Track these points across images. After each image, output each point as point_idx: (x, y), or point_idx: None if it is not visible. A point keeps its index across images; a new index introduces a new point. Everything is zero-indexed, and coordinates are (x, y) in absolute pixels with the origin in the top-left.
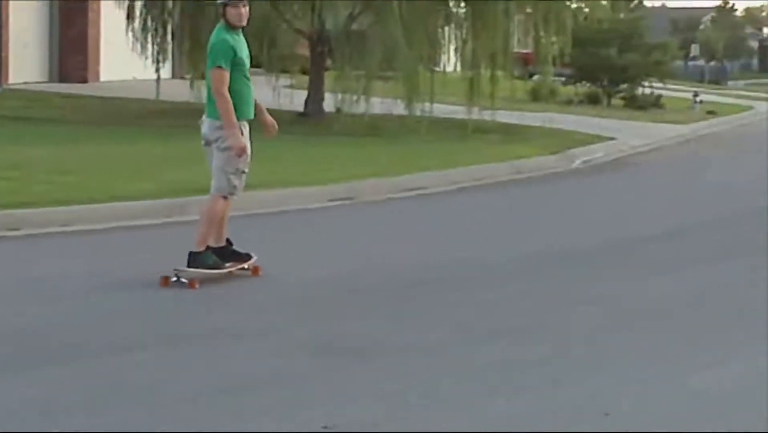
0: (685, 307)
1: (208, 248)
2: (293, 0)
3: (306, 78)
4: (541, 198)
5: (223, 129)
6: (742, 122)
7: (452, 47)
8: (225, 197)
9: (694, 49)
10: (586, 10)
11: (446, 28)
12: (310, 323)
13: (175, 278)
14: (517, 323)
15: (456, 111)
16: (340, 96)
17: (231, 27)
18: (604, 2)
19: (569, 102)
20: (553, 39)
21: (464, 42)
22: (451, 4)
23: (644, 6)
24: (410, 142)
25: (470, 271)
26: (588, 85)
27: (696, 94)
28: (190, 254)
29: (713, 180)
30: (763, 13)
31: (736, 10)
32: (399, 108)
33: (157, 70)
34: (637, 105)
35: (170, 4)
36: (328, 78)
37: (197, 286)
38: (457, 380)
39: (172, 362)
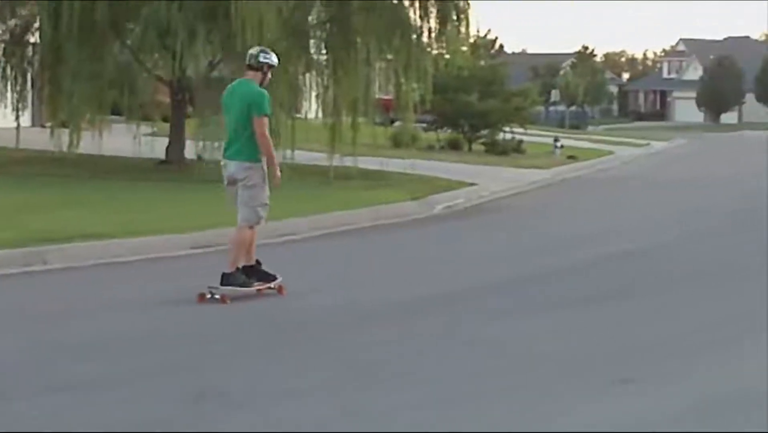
0: (558, 346)
1: (237, 269)
2: (153, 47)
3: (167, 125)
4: (402, 244)
5: (250, 169)
6: (603, 167)
7: (314, 94)
8: (251, 227)
9: (555, 95)
10: (447, 56)
11: (307, 75)
12: (180, 373)
13: (209, 295)
14: (393, 368)
15: (318, 157)
16: (201, 143)
17: (261, 85)
18: (464, 49)
19: (431, 148)
20: (414, 85)
21: (325, 89)
22: (312, 51)
23: (505, 52)
24: (272, 188)
25: (343, 316)
26: (449, 131)
27: (557, 139)
28: (223, 275)
29: (571, 225)
30: (623, 59)
31: (595, 55)
32: None
33: (17, 118)
34: (498, 150)
35: (30, 51)
36: (190, 125)
37: (228, 301)
38: (324, 427)
39: None
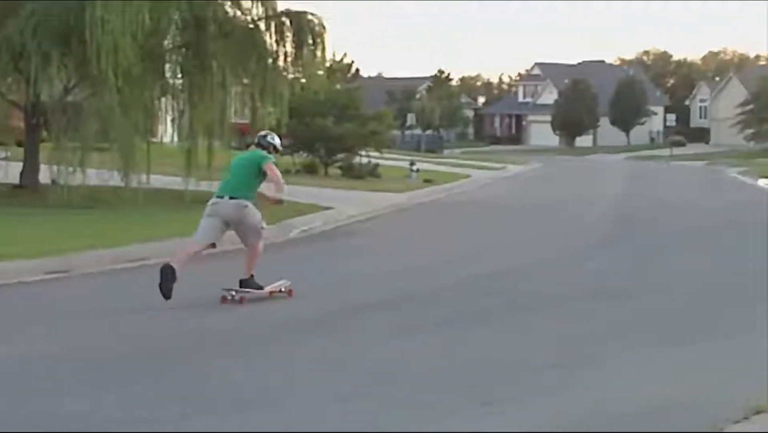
0: (418, 368)
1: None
2: (7, 71)
3: (21, 150)
4: (258, 268)
5: (248, 207)
6: (460, 190)
7: (169, 118)
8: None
9: (411, 119)
10: (303, 80)
11: (163, 100)
12: (31, 401)
13: (230, 297)
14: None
15: (173, 182)
16: (56, 168)
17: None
18: (320, 73)
19: (287, 172)
20: (270, 109)
21: (181, 113)
22: (168, 75)
23: (361, 76)
24: (128, 213)
25: (202, 341)
26: (305, 155)
27: (413, 163)
28: (241, 281)
29: (427, 248)
30: (478, 83)
31: (451, 79)
32: (116, 179)
33: None
34: (354, 174)
35: None
36: (44, 150)
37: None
38: None
39: None
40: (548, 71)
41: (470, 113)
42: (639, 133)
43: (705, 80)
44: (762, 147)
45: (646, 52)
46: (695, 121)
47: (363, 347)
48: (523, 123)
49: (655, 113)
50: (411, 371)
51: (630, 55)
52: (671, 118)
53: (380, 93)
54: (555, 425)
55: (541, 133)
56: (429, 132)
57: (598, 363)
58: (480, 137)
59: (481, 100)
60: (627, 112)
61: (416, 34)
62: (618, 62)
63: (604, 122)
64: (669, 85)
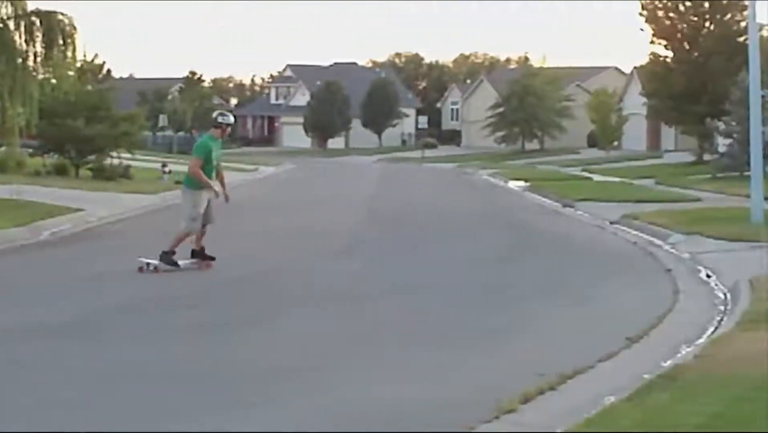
0: (180, 370)
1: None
2: None
3: None
4: (5, 271)
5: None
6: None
7: None
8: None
9: (163, 120)
10: (54, 81)
11: None
12: None
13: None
14: None
15: None
16: None
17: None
18: (71, 73)
19: (37, 174)
20: (20, 110)
21: None
22: None
23: (112, 77)
24: None
25: None
26: (56, 156)
27: (164, 165)
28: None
29: (183, 249)
30: (230, 84)
31: (203, 81)
32: None
33: None
34: (105, 176)
35: None
36: None
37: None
38: None
39: None
40: (300, 73)
41: None
42: (391, 135)
43: (456, 83)
44: (512, 149)
45: (398, 55)
46: (447, 124)
47: (116, 349)
48: (276, 124)
49: (407, 115)
50: (169, 373)
51: (382, 58)
52: (423, 120)
53: (132, 94)
54: (315, 426)
55: (294, 134)
56: (181, 133)
57: (354, 364)
58: (232, 139)
59: (234, 101)
60: (379, 114)
61: (168, 35)
62: (370, 64)
63: (357, 124)
64: (421, 87)
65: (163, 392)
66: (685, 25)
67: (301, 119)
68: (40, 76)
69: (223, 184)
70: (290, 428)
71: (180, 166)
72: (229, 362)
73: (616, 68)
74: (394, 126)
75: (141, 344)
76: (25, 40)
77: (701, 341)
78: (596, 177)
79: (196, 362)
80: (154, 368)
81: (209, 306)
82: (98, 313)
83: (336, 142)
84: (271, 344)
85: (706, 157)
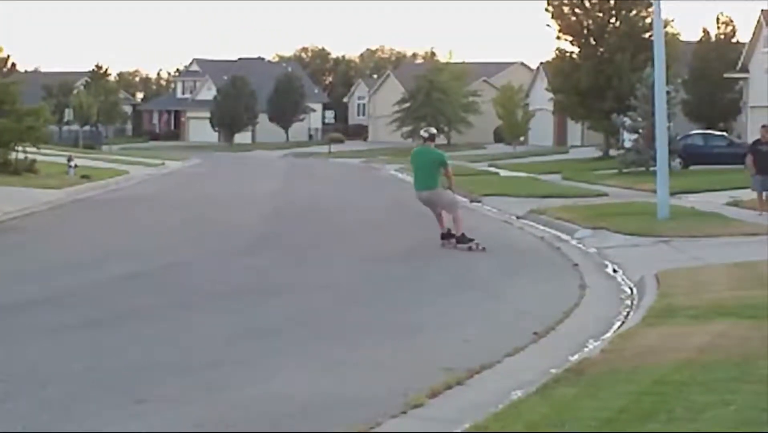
0: (72, 368)
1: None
2: None
3: None
4: None
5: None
6: (119, 186)
7: None
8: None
9: (68, 114)
10: None
11: None
12: None
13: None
14: None
15: None
16: None
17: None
18: None
19: None
20: None
21: None
22: None
23: (17, 71)
24: None
25: None
26: None
27: (70, 159)
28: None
29: (84, 245)
30: (137, 78)
31: (109, 74)
32: None
33: None
34: (10, 170)
35: None
36: None
37: None
38: None
39: None
40: (207, 67)
41: (129, 109)
42: (298, 130)
43: (363, 78)
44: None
45: (305, 49)
46: (354, 119)
47: (7, 347)
48: (182, 119)
49: (314, 110)
50: (60, 371)
51: (289, 52)
52: (330, 115)
53: (37, 88)
54: (213, 423)
55: (200, 129)
56: (87, 128)
57: (257, 361)
58: (138, 133)
59: (140, 95)
60: (285, 108)
61: (74, 28)
62: (277, 59)
63: (263, 119)
64: (327, 82)
65: (55, 390)
66: (590, 21)
67: (207, 114)
68: None
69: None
70: (186, 426)
71: (86, 160)
72: (120, 358)
73: (523, 64)
74: (300, 121)
75: (30, 343)
76: None
77: (608, 335)
78: (503, 172)
79: (87, 359)
80: (45, 367)
81: (101, 302)
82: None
83: (243, 137)
84: (167, 340)
85: (612, 152)
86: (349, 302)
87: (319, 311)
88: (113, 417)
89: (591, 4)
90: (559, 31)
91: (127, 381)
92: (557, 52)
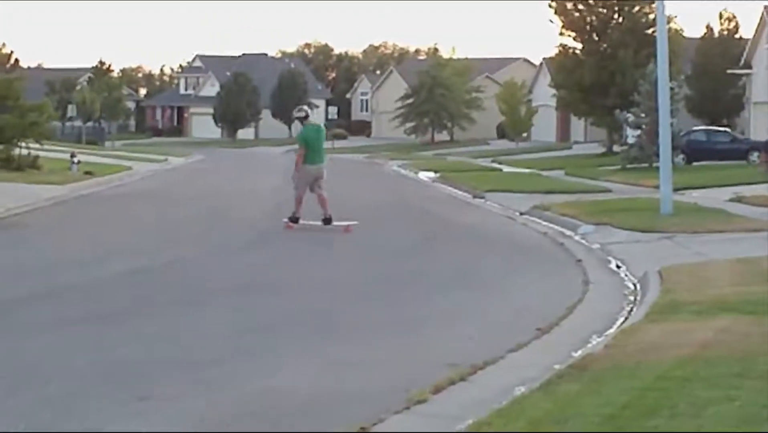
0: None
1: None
2: None
3: None
4: None
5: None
6: (122, 182)
7: None
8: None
9: (71, 110)
10: None
11: None
12: None
13: None
14: None
15: None
16: None
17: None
18: None
19: None
20: None
21: None
22: None
23: (21, 67)
24: None
25: None
26: None
27: (73, 155)
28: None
29: (87, 241)
30: (140, 75)
31: (112, 71)
32: None
33: None
34: (13, 166)
35: None
36: None
37: None
38: None
39: None
40: (210, 64)
41: (132, 105)
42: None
43: (366, 74)
44: (422, 140)
45: (308, 45)
46: (357, 114)
47: (9, 343)
48: (185, 115)
49: (317, 106)
50: (62, 367)
51: (291, 48)
52: (333, 111)
53: (40, 84)
54: (216, 419)
55: (204, 125)
56: (90, 124)
57: (259, 357)
58: (142, 129)
59: (143, 92)
60: (288, 104)
61: (77, 25)
62: (280, 55)
63: (267, 115)
64: (330, 78)
65: (57, 387)
66: (593, 17)
67: (210, 110)
68: None
69: None
70: (189, 424)
71: (89, 156)
72: (122, 354)
73: (526, 59)
74: None
75: (31, 338)
76: None
77: (611, 331)
78: (506, 168)
79: (89, 355)
80: (46, 362)
81: (103, 298)
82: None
83: (246, 133)
84: (169, 336)
85: (616, 148)
86: (350, 299)
87: (320, 307)
88: (115, 414)
89: (594, 0)
90: (562, 27)
91: (129, 377)
92: (560, 48)
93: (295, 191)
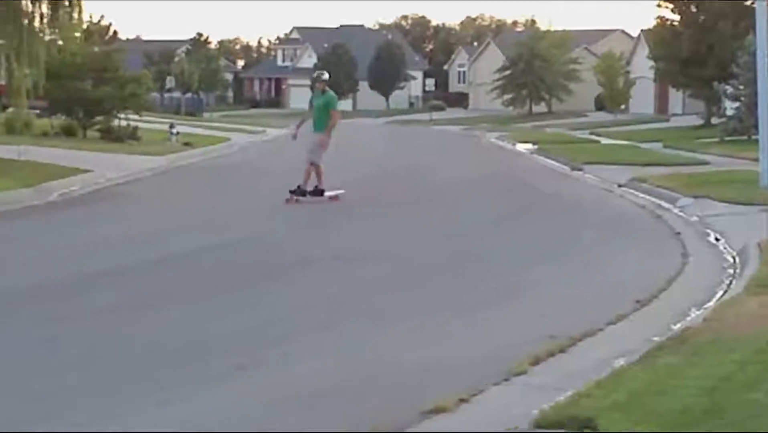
0: (172, 335)
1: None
2: None
3: None
4: (14, 232)
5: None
6: (220, 153)
7: None
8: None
9: (170, 82)
10: (60, 42)
11: None
12: None
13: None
14: None
15: None
16: None
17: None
18: (77, 35)
19: (45, 134)
20: (27, 71)
21: None
22: None
23: (119, 39)
24: None
25: None
26: (63, 117)
27: (172, 126)
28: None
29: (185, 212)
30: (237, 46)
31: (210, 42)
32: None
33: None
34: (113, 137)
35: None
36: None
37: None
38: None
39: None
40: (307, 35)
41: (230, 77)
42: (398, 98)
43: (463, 45)
44: (519, 112)
45: (405, 17)
46: (454, 86)
47: (94, 321)
48: (283, 87)
49: (415, 78)
50: (146, 343)
51: (389, 20)
52: (430, 82)
53: (138, 56)
54: (319, 388)
55: (301, 96)
56: (189, 95)
57: (356, 328)
58: (239, 101)
59: (241, 63)
60: (386, 76)
61: None
62: (377, 27)
63: (364, 87)
64: (428, 50)
65: (136, 364)
66: None
67: (308, 81)
68: (47, 38)
69: None
70: (292, 391)
71: (188, 127)
72: (217, 325)
73: (623, 31)
74: (401, 89)
75: (131, 310)
76: (31, 2)
77: (710, 304)
78: (604, 140)
79: (174, 332)
80: (126, 339)
81: (196, 269)
82: (84, 278)
83: (343, 105)
84: (257, 308)
85: (714, 120)
86: (450, 269)
87: (416, 279)
88: (214, 383)
89: None
90: None
91: (222, 349)
92: (658, 19)
93: (318, 163)
